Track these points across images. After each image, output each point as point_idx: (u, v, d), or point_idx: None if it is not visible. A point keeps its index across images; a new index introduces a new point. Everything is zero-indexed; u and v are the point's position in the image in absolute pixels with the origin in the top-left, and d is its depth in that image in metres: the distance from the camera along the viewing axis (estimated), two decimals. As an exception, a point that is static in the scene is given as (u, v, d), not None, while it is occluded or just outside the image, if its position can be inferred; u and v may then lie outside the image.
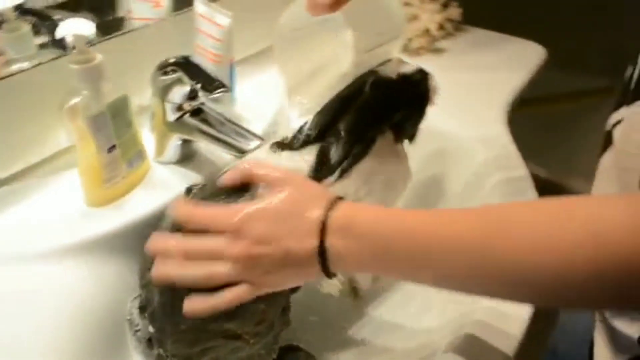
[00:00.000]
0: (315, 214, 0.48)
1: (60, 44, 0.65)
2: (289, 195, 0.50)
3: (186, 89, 0.65)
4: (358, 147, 0.60)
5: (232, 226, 0.49)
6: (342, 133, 0.60)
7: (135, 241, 0.65)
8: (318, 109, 0.60)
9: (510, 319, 0.59)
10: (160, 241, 0.53)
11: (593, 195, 0.51)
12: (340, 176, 0.60)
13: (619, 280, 0.37)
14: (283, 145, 0.59)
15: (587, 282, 0.37)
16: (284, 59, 0.64)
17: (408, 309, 0.72)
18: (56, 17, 0.72)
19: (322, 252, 0.48)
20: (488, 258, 0.41)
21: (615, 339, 0.53)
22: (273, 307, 0.59)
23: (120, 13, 0.77)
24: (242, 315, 0.57)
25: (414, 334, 0.68)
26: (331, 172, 0.59)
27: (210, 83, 0.64)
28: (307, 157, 0.59)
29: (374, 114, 0.62)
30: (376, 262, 0.48)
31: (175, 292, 0.56)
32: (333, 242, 0.47)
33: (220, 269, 0.49)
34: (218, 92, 0.64)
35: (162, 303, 0.58)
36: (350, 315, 0.72)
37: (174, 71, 0.64)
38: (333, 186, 0.58)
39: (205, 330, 0.57)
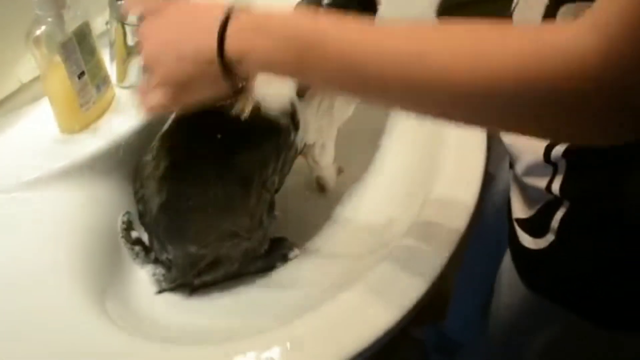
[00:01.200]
0: (214, 13, 0.47)
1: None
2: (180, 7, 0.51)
3: None
4: None
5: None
6: None
7: (117, 161, 0.69)
8: None
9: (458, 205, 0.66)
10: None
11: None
12: None
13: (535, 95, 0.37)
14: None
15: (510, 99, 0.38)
16: None
17: (371, 201, 0.79)
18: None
19: (221, 53, 0.46)
20: (421, 71, 0.40)
21: (528, 193, 0.61)
22: (260, 203, 0.65)
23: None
24: (235, 212, 0.63)
25: (376, 225, 0.75)
26: None
27: None
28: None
29: None
30: (290, 65, 0.45)
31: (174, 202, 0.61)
32: (235, 37, 0.46)
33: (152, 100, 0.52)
34: None
35: (161, 213, 0.63)
36: (320, 211, 0.79)
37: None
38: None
39: (205, 232, 0.63)
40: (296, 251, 0.70)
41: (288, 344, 0.53)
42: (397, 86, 0.42)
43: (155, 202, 0.63)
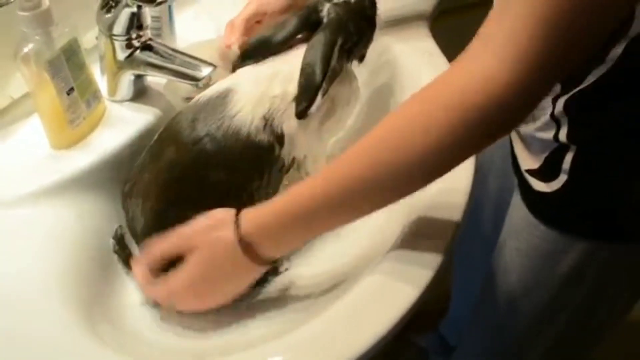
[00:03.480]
0: (229, 237, 0.56)
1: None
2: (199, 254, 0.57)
3: (131, 10, 0.66)
4: (331, 69, 0.65)
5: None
6: (315, 63, 0.64)
7: (107, 176, 0.69)
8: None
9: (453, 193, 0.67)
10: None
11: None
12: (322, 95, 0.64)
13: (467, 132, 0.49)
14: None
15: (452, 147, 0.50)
16: None
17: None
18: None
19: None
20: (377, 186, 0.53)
21: (535, 146, 0.67)
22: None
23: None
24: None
25: (368, 233, 0.74)
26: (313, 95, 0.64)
27: None
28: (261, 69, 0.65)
29: (340, 36, 0.66)
30: (297, 239, 0.59)
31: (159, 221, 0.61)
32: (255, 246, 0.56)
33: None
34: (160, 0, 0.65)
35: (147, 231, 0.63)
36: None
37: (117, 4, 0.66)
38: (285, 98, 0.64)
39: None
40: (286, 264, 0.69)
41: (282, 357, 0.53)
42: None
43: (141, 220, 0.63)
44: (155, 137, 0.67)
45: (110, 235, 0.69)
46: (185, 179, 0.63)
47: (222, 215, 0.58)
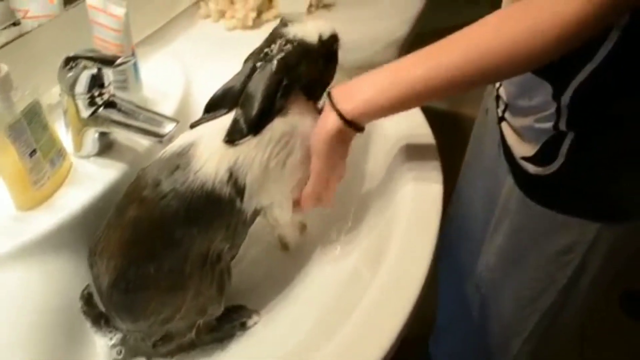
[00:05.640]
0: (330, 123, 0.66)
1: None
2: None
3: (91, 72, 0.67)
4: (268, 109, 0.65)
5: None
6: (253, 96, 0.65)
7: (73, 236, 0.69)
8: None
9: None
10: None
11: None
12: (254, 134, 0.65)
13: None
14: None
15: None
16: None
17: (337, 255, 0.79)
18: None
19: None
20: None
21: (530, 135, 0.73)
22: (210, 276, 0.65)
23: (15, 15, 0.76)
24: (183, 288, 0.63)
25: (342, 279, 0.75)
26: (246, 132, 0.64)
27: (109, 58, 0.66)
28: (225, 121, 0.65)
29: (288, 75, 0.67)
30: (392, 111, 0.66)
31: (123, 279, 0.61)
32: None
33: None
34: (120, 62, 0.66)
35: (112, 289, 0.63)
36: (285, 271, 0.78)
37: (77, 65, 0.66)
38: (249, 144, 0.64)
39: (154, 309, 0.63)
40: (255, 318, 0.69)
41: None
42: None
43: (106, 278, 0.63)
44: (123, 193, 0.67)
45: (77, 295, 0.68)
46: (150, 235, 0.63)
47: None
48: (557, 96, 0.68)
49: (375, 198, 0.79)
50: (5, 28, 0.73)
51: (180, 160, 0.64)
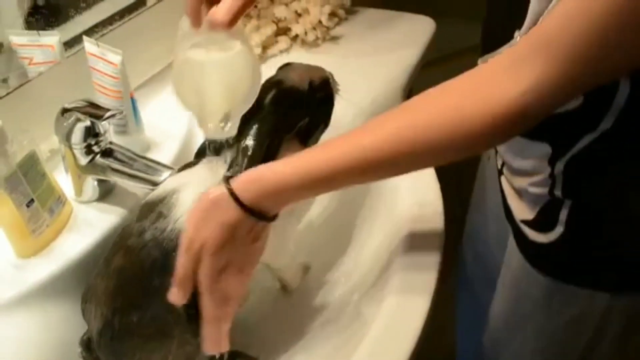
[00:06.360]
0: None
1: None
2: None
3: (84, 124, 0.68)
4: (259, 156, 0.65)
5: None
6: (247, 144, 0.64)
7: (72, 282, 0.69)
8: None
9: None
10: None
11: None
12: None
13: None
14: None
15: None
16: (183, 92, 0.65)
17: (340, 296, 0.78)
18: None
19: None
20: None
21: (528, 197, 0.68)
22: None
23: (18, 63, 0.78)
24: (173, 336, 0.63)
25: (345, 319, 0.74)
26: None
27: (99, 113, 0.67)
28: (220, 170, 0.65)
29: (278, 122, 0.66)
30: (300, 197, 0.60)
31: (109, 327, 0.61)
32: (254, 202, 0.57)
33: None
34: (108, 116, 0.67)
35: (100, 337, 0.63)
36: (287, 314, 0.78)
37: (71, 116, 0.67)
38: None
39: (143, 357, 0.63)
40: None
41: None
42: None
43: (94, 327, 0.63)
44: (112, 242, 0.67)
45: (77, 340, 0.69)
46: (133, 284, 0.63)
47: (213, 195, 0.58)
48: (552, 161, 0.63)
49: (377, 234, 0.79)
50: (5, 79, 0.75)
51: (163, 207, 0.64)
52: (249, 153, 0.64)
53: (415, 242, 0.71)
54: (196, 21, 0.60)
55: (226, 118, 0.63)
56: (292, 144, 0.69)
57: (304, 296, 0.80)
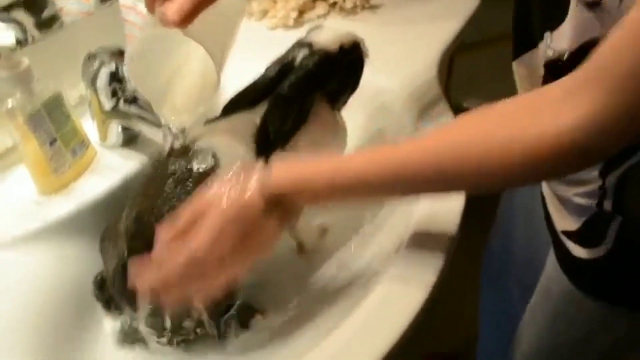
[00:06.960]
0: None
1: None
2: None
3: (109, 68, 0.70)
4: (292, 118, 0.66)
5: None
6: (277, 105, 0.65)
7: (90, 223, 0.72)
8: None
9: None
10: None
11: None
12: (282, 147, 0.65)
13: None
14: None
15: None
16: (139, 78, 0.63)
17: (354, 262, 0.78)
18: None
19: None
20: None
21: (572, 207, 0.64)
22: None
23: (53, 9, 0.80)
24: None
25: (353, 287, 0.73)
26: (272, 145, 0.65)
27: (124, 57, 0.66)
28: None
29: (309, 84, 0.66)
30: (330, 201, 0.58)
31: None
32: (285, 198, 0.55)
33: None
34: None
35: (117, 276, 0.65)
36: (301, 275, 0.78)
37: (97, 60, 0.69)
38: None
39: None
40: (258, 317, 0.69)
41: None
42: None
43: (111, 264, 0.65)
44: (140, 183, 0.69)
45: (91, 279, 0.71)
46: (150, 228, 0.64)
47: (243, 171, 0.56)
48: (604, 173, 0.59)
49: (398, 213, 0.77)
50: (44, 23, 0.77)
51: (188, 157, 0.65)
52: (284, 104, 0.65)
53: (432, 223, 0.68)
54: (151, 9, 0.57)
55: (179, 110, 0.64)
56: (321, 105, 0.69)
57: (318, 258, 0.80)
